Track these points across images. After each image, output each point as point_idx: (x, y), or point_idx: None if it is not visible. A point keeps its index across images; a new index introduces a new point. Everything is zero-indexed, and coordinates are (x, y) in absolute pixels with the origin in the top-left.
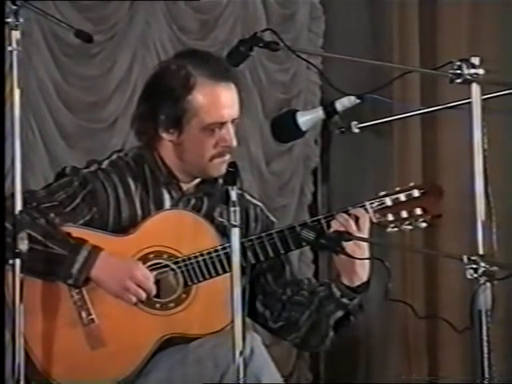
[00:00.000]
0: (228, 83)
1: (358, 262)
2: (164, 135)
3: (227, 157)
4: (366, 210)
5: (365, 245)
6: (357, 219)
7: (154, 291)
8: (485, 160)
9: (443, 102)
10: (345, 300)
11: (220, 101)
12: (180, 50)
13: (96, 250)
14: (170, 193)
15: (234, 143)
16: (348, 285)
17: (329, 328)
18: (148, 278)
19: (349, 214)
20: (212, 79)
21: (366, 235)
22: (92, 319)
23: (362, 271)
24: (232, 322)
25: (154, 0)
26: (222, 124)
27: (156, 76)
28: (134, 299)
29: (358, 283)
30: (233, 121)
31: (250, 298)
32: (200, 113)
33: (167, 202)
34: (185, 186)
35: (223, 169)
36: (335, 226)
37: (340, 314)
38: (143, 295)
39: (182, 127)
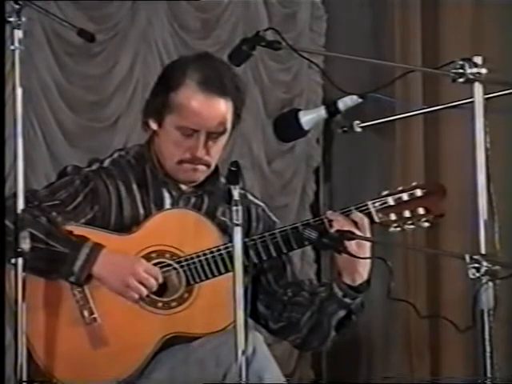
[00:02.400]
0: (218, 97)
1: (359, 260)
2: (150, 121)
3: (199, 166)
4: (368, 209)
5: (366, 244)
6: (355, 224)
7: (155, 286)
8: (487, 159)
9: (445, 102)
10: (347, 300)
11: (199, 108)
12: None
13: (98, 247)
14: (169, 192)
15: (202, 155)
16: (350, 284)
17: (331, 328)
18: (151, 272)
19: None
20: (201, 86)
21: (367, 235)
22: (94, 318)
23: (364, 270)
24: (234, 321)
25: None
26: (195, 131)
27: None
28: (136, 296)
29: (359, 282)
30: (209, 134)
31: (251, 298)
32: (177, 112)
33: (167, 201)
34: (184, 185)
35: (195, 177)
36: (337, 225)
37: (342, 313)
38: (145, 292)
39: (161, 119)
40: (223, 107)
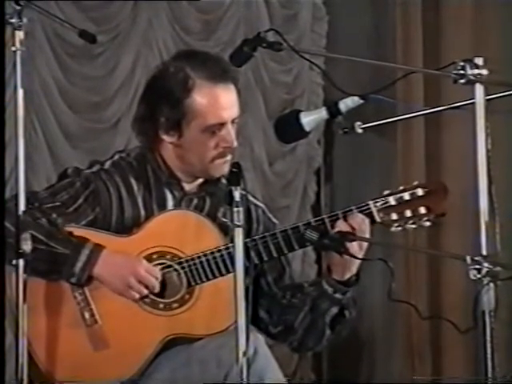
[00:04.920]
0: (227, 84)
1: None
2: (164, 137)
3: (228, 157)
4: (369, 209)
5: (364, 243)
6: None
7: (157, 287)
8: (488, 160)
9: (447, 103)
10: (338, 295)
11: (219, 102)
12: (178, 51)
13: (98, 248)
14: (172, 192)
15: (235, 143)
16: (339, 279)
17: (325, 326)
18: (151, 272)
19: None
20: (210, 81)
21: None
22: (95, 320)
23: (354, 265)
24: (235, 322)
25: (157, 0)
26: (222, 125)
27: (155, 78)
28: (137, 296)
29: (348, 276)
30: (232, 121)
31: (252, 303)
32: (199, 115)
33: (170, 202)
34: (187, 186)
35: (225, 169)
36: (344, 226)
37: (335, 310)
38: (145, 292)
39: (182, 129)
40: (233, 91)
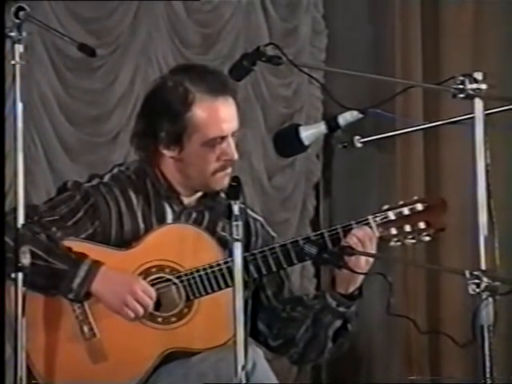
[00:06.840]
0: (226, 97)
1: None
2: (165, 152)
3: (229, 170)
4: (369, 223)
5: (369, 258)
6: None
7: (151, 307)
8: (487, 175)
9: (446, 117)
10: (341, 309)
11: (219, 115)
12: (176, 65)
13: (96, 264)
14: (171, 206)
15: (236, 156)
16: (343, 293)
17: (327, 339)
18: (148, 293)
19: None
20: (210, 94)
21: (373, 251)
22: (94, 333)
23: (358, 279)
24: (234, 336)
25: None
26: (223, 138)
27: (153, 93)
28: (133, 315)
29: (352, 290)
30: (232, 134)
31: (251, 316)
32: (200, 128)
33: (169, 216)
34: (186, 200)
35: (225, 182)
36: (351, 240)
37: (338, 323)
38: (141, 312)
39: (182, 143)
40: (233, 104)
